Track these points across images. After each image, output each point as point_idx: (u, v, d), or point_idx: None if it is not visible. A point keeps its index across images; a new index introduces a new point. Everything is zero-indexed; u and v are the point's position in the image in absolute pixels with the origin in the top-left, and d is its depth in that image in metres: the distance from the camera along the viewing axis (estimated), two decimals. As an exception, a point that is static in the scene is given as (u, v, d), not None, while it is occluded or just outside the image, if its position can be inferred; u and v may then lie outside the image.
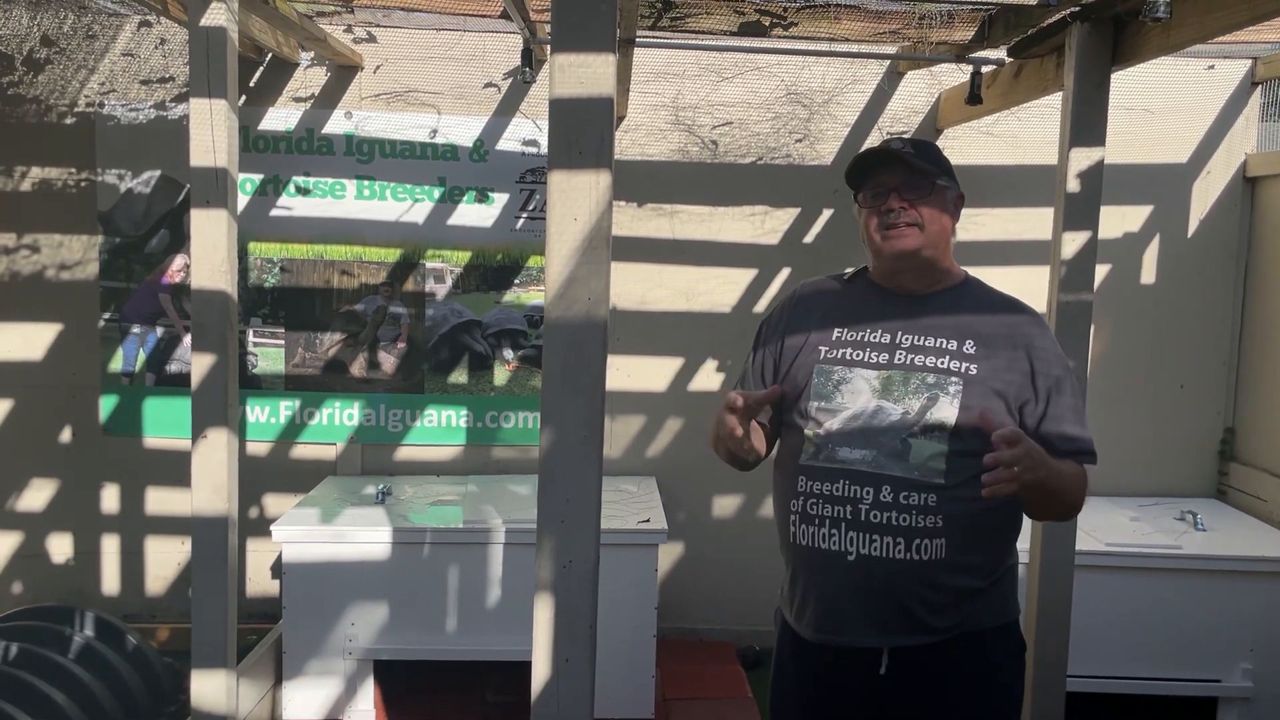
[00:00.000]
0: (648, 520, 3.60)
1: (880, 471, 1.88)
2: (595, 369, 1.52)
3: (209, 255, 2.67)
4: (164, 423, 4.15)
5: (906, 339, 1.95)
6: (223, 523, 2.74)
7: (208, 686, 2.78)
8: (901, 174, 1.95)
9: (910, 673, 1.90)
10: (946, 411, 1.87)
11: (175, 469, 4.13)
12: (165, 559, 4.22)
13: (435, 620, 3.50)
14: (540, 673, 1.54)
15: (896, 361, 1.94)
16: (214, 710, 2.77)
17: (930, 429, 1.87)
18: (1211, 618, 3.51)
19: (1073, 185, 2.76)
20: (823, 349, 1.99)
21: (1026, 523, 2.02)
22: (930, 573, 1.86)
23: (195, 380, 2.71)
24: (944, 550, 1.86)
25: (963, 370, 1.89)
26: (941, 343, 1.93)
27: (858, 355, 1.97)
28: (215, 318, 2.69)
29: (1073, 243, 2.77)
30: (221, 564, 2.75)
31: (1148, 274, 4.23)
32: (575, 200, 1.49)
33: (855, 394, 1.93)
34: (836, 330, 2.01)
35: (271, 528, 3.48)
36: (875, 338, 1.98)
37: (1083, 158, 2.74)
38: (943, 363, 1.91)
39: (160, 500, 4.20)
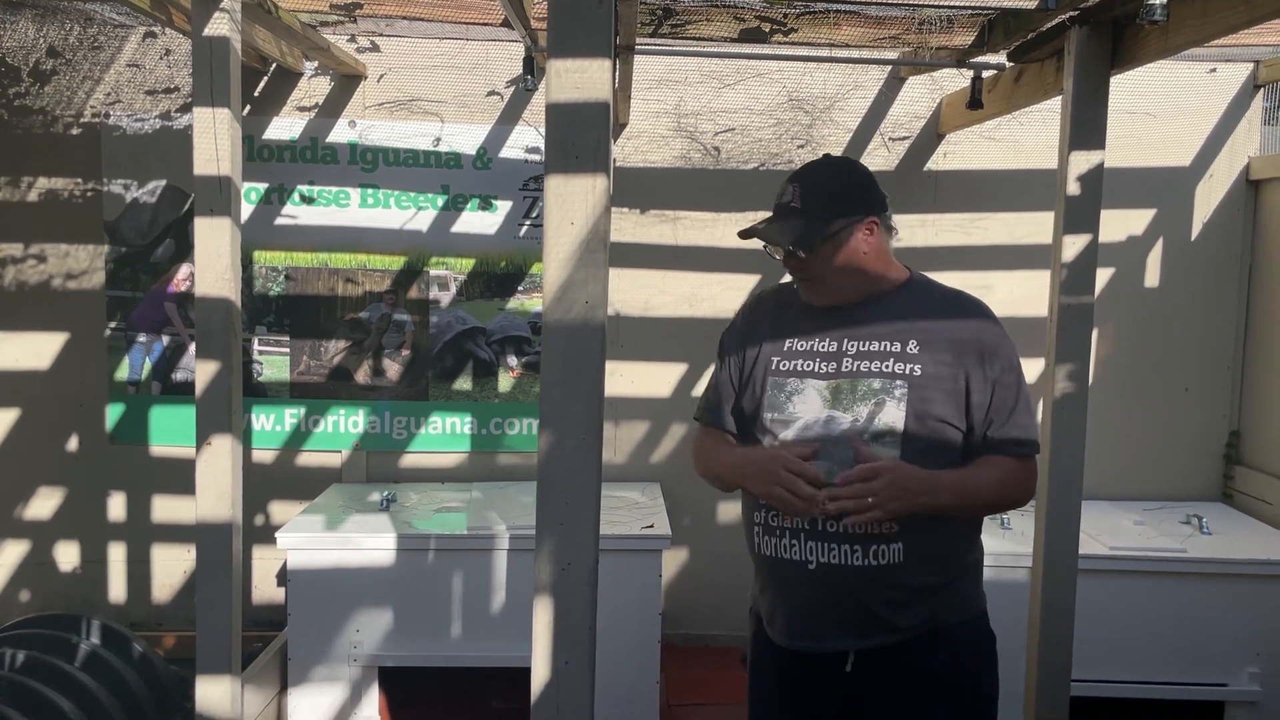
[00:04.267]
0: (651, 526, 3.60)
1: (834, 481, 1.92)
2: (593, 372, 1.53)
3: (213, 263, 2.68)
4: (170, 431, 4.16)
5: (852, 345, 1.99)
6: (227, 529, 2.75)
7: (213, 693, 2.79)
8: (794, 229, 2.01)
9: (877, 671, 1.98)
10: (894, 415, 1.92)
11: (181, 477, 4.13)
12: (171, 567, 4.24)
13: (440, 627, 3.50)
14: (539, 675, 1.55)
15: (844, 370, 1.98)
16: (219, 717, 2.77)
17: (880, 435, 1.92)
18: (1218, 622, 3.50)
19: (1073, 188, 2.76)
20: (775, 359, 2.05)
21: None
22: (889, 575, 1.94)
23: (200, 387, 2.72)
24: (901, 554, 1.93)
25: (906, 372, 1.93)
26: (885, 345, 1.97)
27: (808, 365, 2.01)
28: (219, 325, 2.70)
29: (1073, 246, 2.77)
30: (226, 571, 2.76)
31: (1151, 277, 4.23)
32: (572, 204, 1.50)
33: (807, 404, 1.98)
34: (788, 341, 2.05)
35: (276, 535, 3.50)
36: (823, 346, 2.01)
37: (1082, 161, 2.75)
38: (887, 366, 1.95)
39: (166, 509, 4.22)
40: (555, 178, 1.51)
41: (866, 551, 1.92)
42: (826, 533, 1.93)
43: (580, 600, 1.52)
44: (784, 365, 2.02)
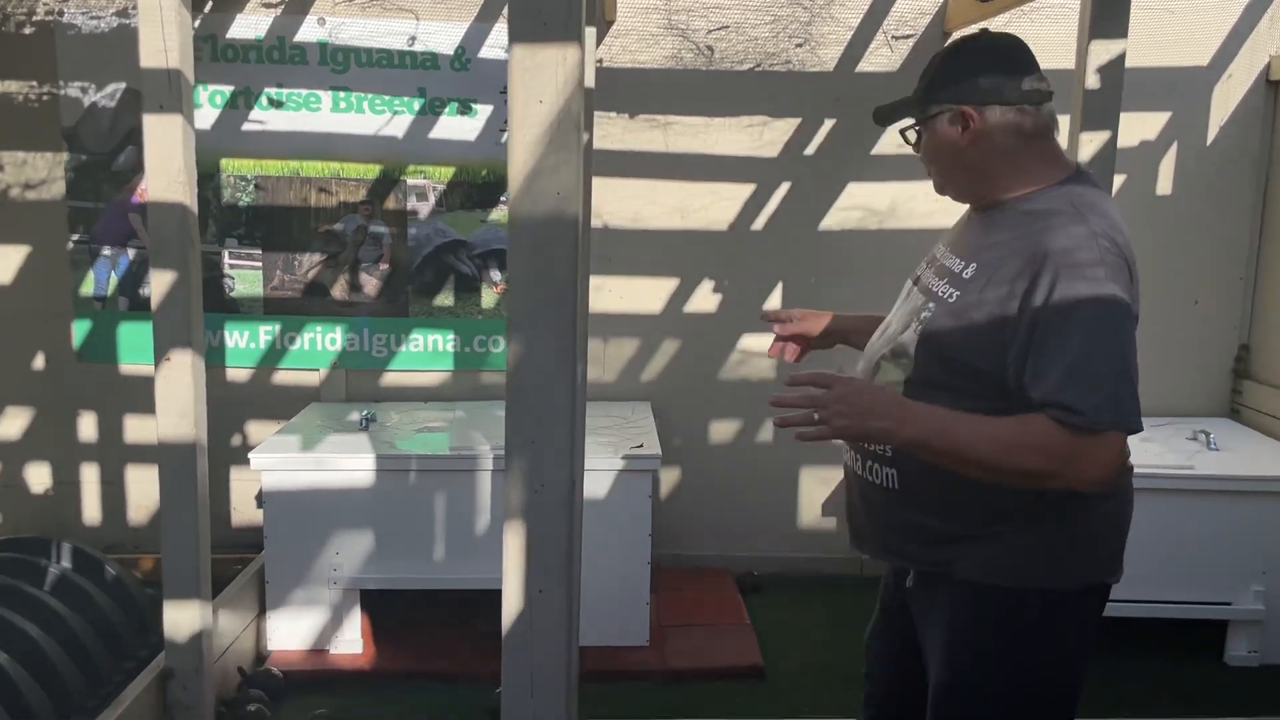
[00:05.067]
0: (641, 446, 3.46)
1: None
2: (565, 272, 1.36)
3: (164, 165, 2.49)
4: (140, 348, 3.99)
5: (942, 255, 1.80)
6: (190, 450, 2.61)
7: (181, 618, 2.68)
8: (891, 110, 1.85)
9: (922, 593, 1.81)
10: (910, 336, 1.72)
11: (153, 396, 4.01)
12: (147, 488, 4.11)
13: (423, 549, 3.39)
14: (511, 606, 1.41)
15: (921, 279, 1.81)
16: (189, 642, 2.67)
17: (898, 354, 1.75)
18: (1223, 539, 3.40)
19: (1091, 81, 2.57)
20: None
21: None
22: (891, 499, 1.76)
23: (155, 300, 2.56)
24: (896, 480, 1.74)
25: (944, 295, 1.70)
26: (954, 262, 1.74)
27: (917, 270, 1.87)
28: (174, 232, 2.52)
29: (1090, 144, 2.59)
30: (190, 492, 2.63)
31: (1164, 184, 4.04)
32: (540, 79, 1.31)
33: (894, 307, 1.87)
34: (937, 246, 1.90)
35: (250, 455, 3.35)
36: (935, 251, 1.85)
37: (1103, 51, 2.55)
38: (938, 285, 1.74)
39: (139, 428, 4.07)
40: (521, 48, 1.32)
41: (865, 465, 1.77)
42: (858, 445, 1.80)
43: (555, 525, 1.38)
44: (916, 270, 1.88)
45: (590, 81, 2.39)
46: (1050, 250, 1.56)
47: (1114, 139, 2.58)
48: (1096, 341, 1.52)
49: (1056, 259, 1.55)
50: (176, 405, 2.59)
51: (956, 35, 1.88)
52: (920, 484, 1.70)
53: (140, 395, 4.00)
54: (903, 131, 1.82)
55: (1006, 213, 1.71)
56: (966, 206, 1.87)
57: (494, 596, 3.47)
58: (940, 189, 1.82)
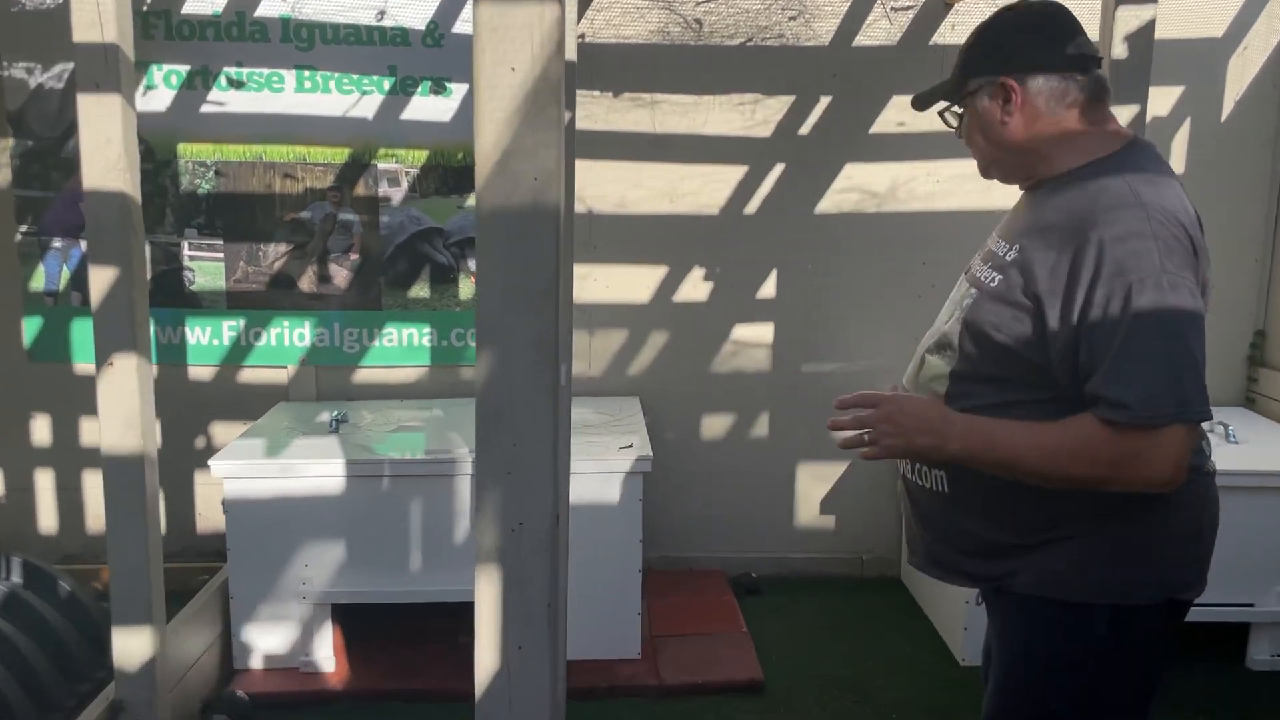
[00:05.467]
0: (630, 446, 3.25)
1: (910, 390, 1.71)
2: (547, 273, 1.14)
3: (101, 150, 2.25)
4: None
5: (990, 241, 1.67)
6: (137, 461, 2.39)
7: (131, 645, 2.45)
8: (931, 91, 1.73)
9: (989, 607, 1.71)
10: (953, 326, 1.62)
11: (111, 397, 3.78)
12: (106, 495, 3.87)
13: (398, 559, 3.17)
14: (485, 665, 1.20)
15: (971, 269, 1.68)
16: (140, 671, 2.44)
17: (942, 345, 1.64)
18: (1244, 538, 3.20)
19: (1119, 50, 2.36)
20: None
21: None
22: (945, 506, 1.63)
23: (95, 298, 2.33)
24: (945, 484, 1.62)
25: (987, 280, 1.57)
26: (1000, 246, 1.60)
27: (971, 261, 1.72)
28: (113, 223, 2.29)
29: (1119, 119, 2.37)
30: (138, 509, 2.40)
31: (1176, 162, 3.85)
32: (512, 42, 1.09)
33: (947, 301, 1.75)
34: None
35: (210, 461, 3.13)
36: (988, 240, 1.71)
37: (1131, 17, 2.34)
38: (983, 271, 1.60)
39: (97, 431, 3.81)
40: (487, 6, 1.10)
41: (915, 467, 1.66)
42: None
43: (536, 569, 1.16)
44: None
45: (571, 54, 2.16)
46: (1099, 227, 1.43)
47: (1144, 113, 2.39)
48: (1146, 328, 1.39)
49: (1104, 238, 1.42)
50: (121, 414, 2.37)
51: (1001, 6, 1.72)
52: (972, 487, 1.57)
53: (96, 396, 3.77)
54: (942, 115, 1.70)
55: (1056, 189, 1.57)
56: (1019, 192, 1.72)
57: (473, 608, 3.30)
58: (985, 171, 1.70)
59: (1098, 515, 1.50)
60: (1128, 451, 1.39)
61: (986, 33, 1.63)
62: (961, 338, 1.56)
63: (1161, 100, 3.80)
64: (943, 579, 1.71)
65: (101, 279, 2.31)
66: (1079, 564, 1.52)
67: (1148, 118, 3.73)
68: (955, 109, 1.67)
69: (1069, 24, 1.60)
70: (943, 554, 1.67)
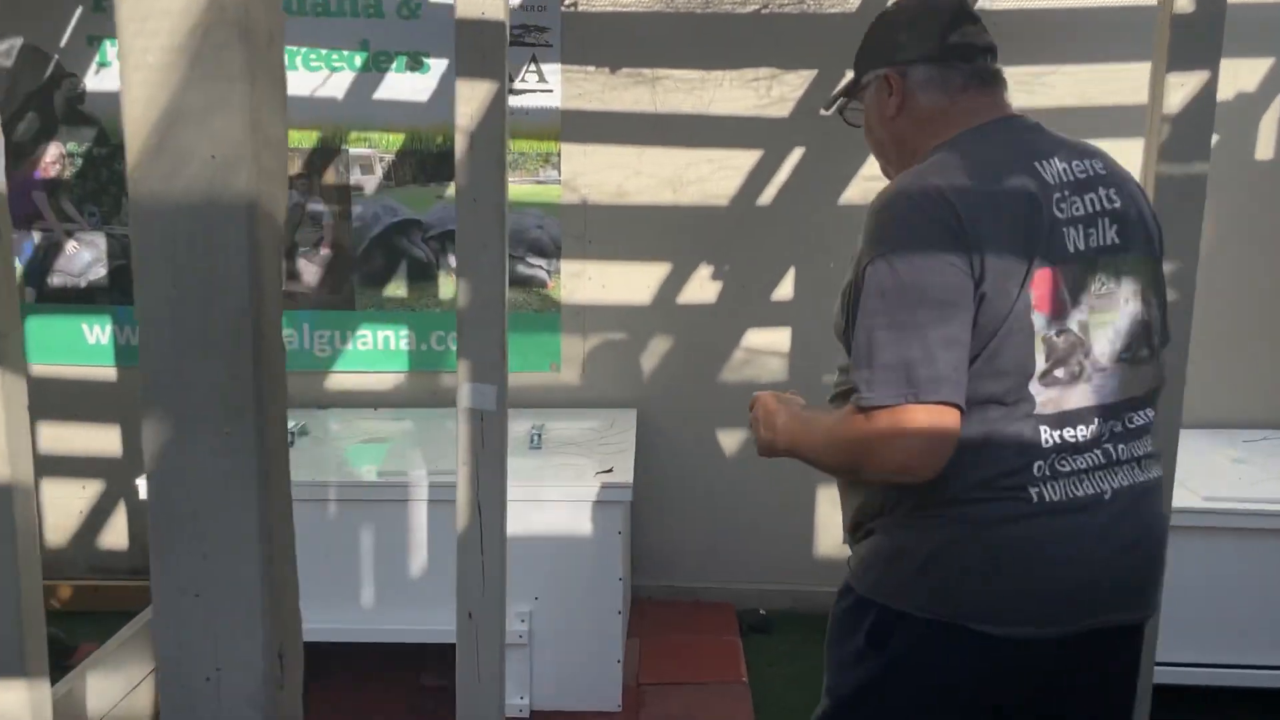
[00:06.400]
0: (610, 470, 2.86)
1: None
2: (236, 300, 0.74)
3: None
4: (50, 347, 3.51)
5: None
6: (5, 494, 2.05)
7: (7, 702, 2.13)
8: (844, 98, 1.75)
9: None
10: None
11: (68, 401, 3.53)
12: (64, 505, 3.63)
13: (348, 595, 2.84)
14: None
15: None
16: (14, 733, 2.12)
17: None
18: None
19: (1182, 4, 1.89)
20: None
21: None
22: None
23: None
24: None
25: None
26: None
27: None
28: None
29: (1181, 89, 1.91)
30: (8, 548, 2.06)
31: (1265, 147, 3.35)
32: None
33: None
34: None
35: (137, 481, 2.81)
36: None
37: (1200, -38, 1.86)
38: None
39: (54, 439, 3.58)
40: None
41: None
42: None
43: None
44: None
45: (498, 11, 1.77)
46: (868, 213, 1.49)
47: (1213, 81, 1.91)
48: (880, 309, 1.41)
49: (869, 223, 1.48)
50: (-19, 437, 2.03)
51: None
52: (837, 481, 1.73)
53: (52, 400, 3.52)
54: (842, 114, 1.74)
55: None
56: None
57: (434, 649, 2.95)
58: (885, 171, 1.71)
59: (892, 513, 1.53)
60: (872, 434, 1.41)
61: (874, 29, 1.67)
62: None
63: (1248, 74, 3.30)
64: None
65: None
66: (866, 559, 1.57)
67: (1231, 94, 3.24)
68: (855, 106, 1.69)
69: (955, 15, 1.60)
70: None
